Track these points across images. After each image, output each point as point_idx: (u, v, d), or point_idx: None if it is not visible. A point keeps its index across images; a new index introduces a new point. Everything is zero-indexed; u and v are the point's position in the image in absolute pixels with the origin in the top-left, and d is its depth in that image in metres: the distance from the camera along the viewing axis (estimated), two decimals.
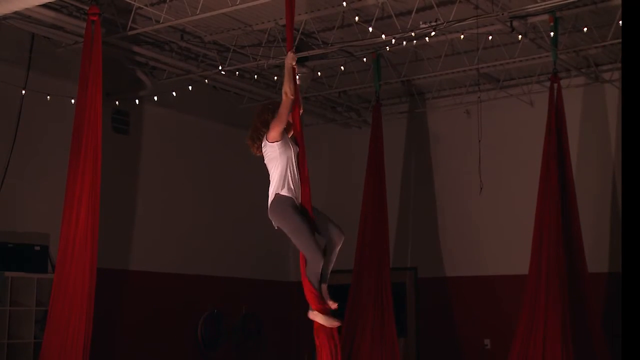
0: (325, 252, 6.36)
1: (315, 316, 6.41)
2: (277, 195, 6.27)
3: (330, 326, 6.42)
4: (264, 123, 6.38)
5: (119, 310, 10.98)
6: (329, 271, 6.46)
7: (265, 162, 6.40)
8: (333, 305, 6.43)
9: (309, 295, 6.36)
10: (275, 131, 6.25)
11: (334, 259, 6.51)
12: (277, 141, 6.26)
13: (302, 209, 6.31)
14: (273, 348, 13.38)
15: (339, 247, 6.45)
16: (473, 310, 12.53)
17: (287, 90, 6.29)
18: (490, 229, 12.47)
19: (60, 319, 8.04)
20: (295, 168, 6.32)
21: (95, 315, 8.17)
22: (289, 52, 6.51)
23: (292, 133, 6.49)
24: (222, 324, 12.42)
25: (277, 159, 6.29)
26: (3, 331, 9.38)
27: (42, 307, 9.52)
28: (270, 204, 6.32)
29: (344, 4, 9.33)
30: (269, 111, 6.41)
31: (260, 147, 6.41)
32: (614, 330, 10.39)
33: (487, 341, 12.32)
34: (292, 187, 6.28)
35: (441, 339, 12.74)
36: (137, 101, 11.32)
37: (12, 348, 9.45)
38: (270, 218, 6.41)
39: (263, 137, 6.34)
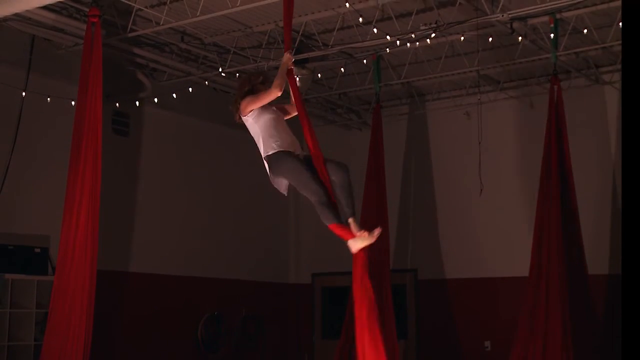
0: (335, 191, 6.32)
1: (354, 244, 6.30)
2: (266, 158, 6.41)
3: (371, 242, 6.31)
4: (241, 95, 6.58)
5: (119, 312, 10.98)
6: (352, 205, 6.35)
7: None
8: (364, 233, 6.29)
9: (338, 232, 6.31)
10: (246, 108, 6.47)
11: (350, 192, 6.39)
12: (245, 115, 6.49)
13: (303, 158, 6.40)
14: (273, 350, 13.38)
15: (346, 180, 6.36)
16: (473, 312, 12.53)
17: (275, 84, 6.41)
18: (490, 230, 12.47)
19: (61, 321, 8.04)
20: (281, 126, 6.47)
21: (95, 317, 8.17)
22: (286, 53, 6.57)
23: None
24: (222, 325, 12.42)
25: (254, 126, 6.50)
26: (3, 333, 9.38)
27: (43, 309, 9.52)
28: (268, 171, 6.44)
29: (347, 4, 9.32)
30: (249, 84, 6.64)
31: (240, 117, 6.59)
32: (614, 332, 10.39)
33: (487, 343, 12.32)
34: (280, 142, 6.37)
35: (441, 341, 12.74)
36: (137, 103, 11.32)
37: (12, 350, 9.44)
38: (274, 185, 6.49)
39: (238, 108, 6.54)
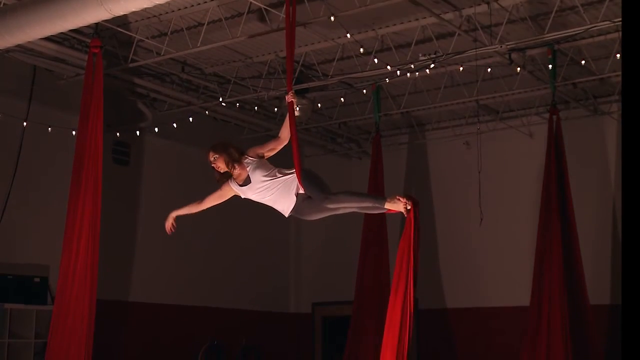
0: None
1: (392, 206, 6.16)
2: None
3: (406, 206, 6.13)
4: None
5: (118, 341, 10.92)
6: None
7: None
8: (396, 198, 6.15)
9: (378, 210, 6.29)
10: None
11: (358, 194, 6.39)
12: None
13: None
14: None
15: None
16: (474, 341, 12.47)
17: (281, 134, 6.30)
18: (491, 260, 12.44)
19: (60, 351, 7.99)
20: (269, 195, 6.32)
21: (95, 347, 8.13)
22: (289, 93, 6.27)
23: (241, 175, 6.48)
24: (222, 355, 12.35)
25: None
26: None
27: (42, 339, 9.48)
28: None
29: (348, 35, 9.39)
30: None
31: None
32: None
33: None
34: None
35: None
36: (137, 132, 11.36)
37: None
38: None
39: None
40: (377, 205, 6.19)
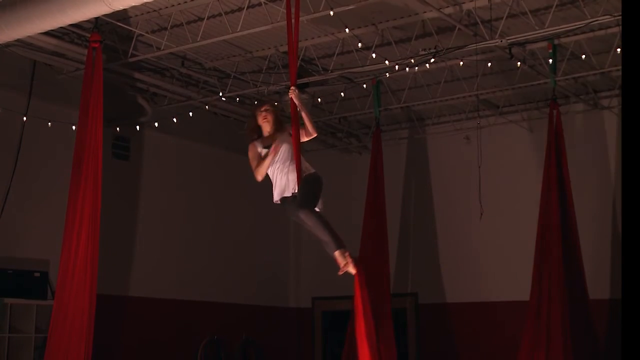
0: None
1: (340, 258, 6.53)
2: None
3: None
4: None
5: (118, 336, 10.93)
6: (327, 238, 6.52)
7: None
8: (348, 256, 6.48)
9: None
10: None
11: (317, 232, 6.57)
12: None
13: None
14: None
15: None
16: (474, 336, 12.48)
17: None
18: (490, 254, 12.45)
19: (60, 345, 7.99)
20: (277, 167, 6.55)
21: (94, 342, 8.13)
22: (292, 88, 6.61)
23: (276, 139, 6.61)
24: (222, 350, 12.36)
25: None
26: (2, 358, 9.33)
27: (42, 334, 9.49)
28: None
29: (347, 30, 9.39)
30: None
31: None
32: (615, 357, 10.34)
33: None
34: (276, 191, 6.58)
35: None
36: (137, 127, 11.35)
37: None
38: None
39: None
40: (331, 246, 6.48)
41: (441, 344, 12.76)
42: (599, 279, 11.19)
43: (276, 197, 6.59)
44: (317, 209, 6.46)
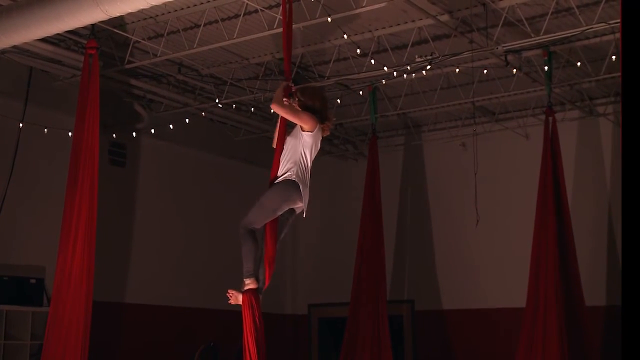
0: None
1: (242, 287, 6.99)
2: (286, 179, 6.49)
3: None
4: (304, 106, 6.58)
5: (114, 343, 10.91)
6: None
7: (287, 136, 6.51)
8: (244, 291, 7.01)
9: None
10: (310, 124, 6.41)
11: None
12: (310, 132, 6.41)
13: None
14: None
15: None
16: (471, 343, 12.48)
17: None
18: (487, 261, 12.46)
19: (56, 352, 7.97)
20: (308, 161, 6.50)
21: (91, 349, 8.11)
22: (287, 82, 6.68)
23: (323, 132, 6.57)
24: (218, 357, 12.33)
25: (299, 145, 6.43)
26: None
27: (37, 341, 9.45)
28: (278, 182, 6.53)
29: (345, 36, 9.40)
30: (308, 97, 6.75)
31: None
32: None
33: None
34: (301, 176, 6.49)
35: None
36: (134, 134, 11.35)
37: None
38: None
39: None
40: (243, 267, 7.10)
41: (438, 350, 12.75)
42: (595, 285, 11.21)
43: (296, 179, 6.54)
44: (256, 227, 6.73)
